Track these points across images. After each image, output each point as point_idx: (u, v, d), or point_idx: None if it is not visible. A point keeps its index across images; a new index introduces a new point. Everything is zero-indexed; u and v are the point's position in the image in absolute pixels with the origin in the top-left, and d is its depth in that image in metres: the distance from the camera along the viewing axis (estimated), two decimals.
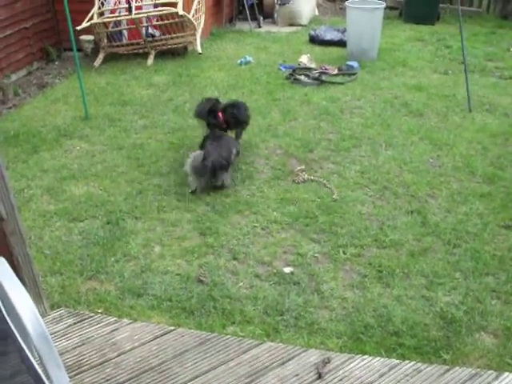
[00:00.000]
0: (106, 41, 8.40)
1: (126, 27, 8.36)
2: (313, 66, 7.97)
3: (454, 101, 6.79)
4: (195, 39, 8.43)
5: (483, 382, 2.93)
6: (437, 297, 3.60)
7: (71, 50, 6.32)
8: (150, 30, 8.43)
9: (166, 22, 8.19)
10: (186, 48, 8.70)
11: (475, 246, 4.08)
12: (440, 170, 5.18)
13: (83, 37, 8.44)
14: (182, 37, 8.42)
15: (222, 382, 2.92)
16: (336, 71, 7.83)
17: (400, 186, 4.90)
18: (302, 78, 7.53)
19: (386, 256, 3.99)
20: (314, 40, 9.41)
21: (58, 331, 3.28)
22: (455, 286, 3.70)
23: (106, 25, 8.29)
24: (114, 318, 3.39)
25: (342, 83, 7.43)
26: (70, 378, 2.92)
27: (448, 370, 3.01)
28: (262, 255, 4.01)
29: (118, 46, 8.52)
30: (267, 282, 3.75)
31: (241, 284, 3.73)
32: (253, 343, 3.17)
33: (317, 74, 7.60)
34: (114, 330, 3.29)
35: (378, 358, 3.09)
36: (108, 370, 3.01)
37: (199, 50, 8.42)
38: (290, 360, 3.06)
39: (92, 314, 3.43)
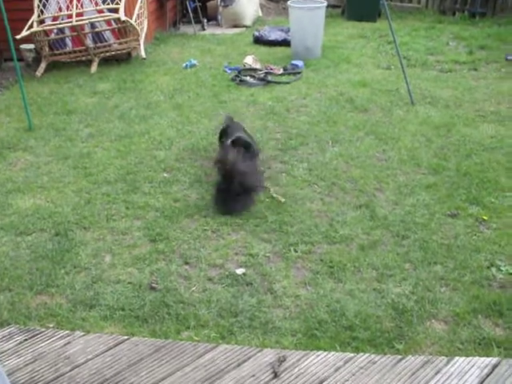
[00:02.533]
0: (47, 49, 8.24)
1: (69, 34, 8.21)
2: (258, 66, 8.01)
3: (397, 95, 6.93)
4: (139, 44, 8.36)
5: (435, 367, 2.99)
6: (388, 288, 3.66)
7: (12, 59, 6.17)
8: (106, 36, 8.33)
9: (108, 28, 8.09)
10: (129, 54, 8.62)
11: (423, 236, 4.17)
12: (386, 163, 5.27)
13: (24, 46, 8.27)
14: (126, 42, 8.33)
15: None
16: (281, 71, 7.89)
17: (348, 181, 4.97)
18: (248, 78, 7.57)
19: (336, 251, 4.04)
20: (259, 40, 9.47)
21: (8, 349, 3.19)
22: (405, 276, 3.77)
23: (47, 33, 8.13)
24: (67, 332, 3.32)
25: (287, 83, 7.49)
26: None
27: (401, 360, 3.06)
28: (214, 258, 4.00)
29: (60, 54, 8.37)
30: (220, 285, 3.74)
31: (193, 288, 3.71)
32: (208, 347, 3.16)
33: (262, 75, 7.65)
34: (67, 344, 3.22)
35: (333, 352, 3.12)
36: None
37: (143, 55, 8.35)
38: (245, 361, 3.05)
39: (43, 329, 3.35)
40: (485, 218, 4.40)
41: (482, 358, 3.06)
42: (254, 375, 2.96)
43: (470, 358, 3.07)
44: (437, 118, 6.26)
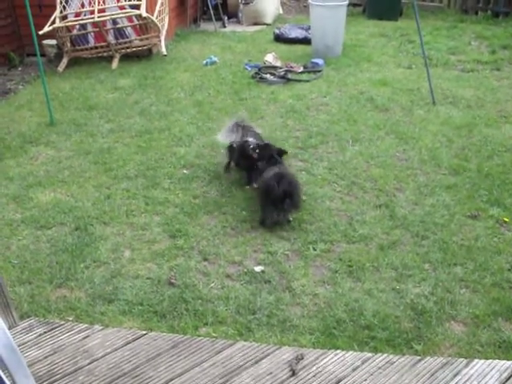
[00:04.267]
0: (69, 45, 8.30)
1: (91, 30, 8.27)
2: (278, 64, 7.99)
3: (418, 94, 6.88)
4: (160, 41, 8.39)
5: (454, 369, 2.96)
6: (407, 289, 3.64)
7: (34, 55, 6.22)
8: (127, 32, 8.38)
9: (130, 24, 8.13)
10: (150, 50, 8.65)
11: (443, 237, 4.14)
12: (406, 163, 5.24)
13: (46, 41, 8.35)
14: (147, 39, 8.36)
15: (196, 383, 2.90)
16: (301, 69, 7.87)
17: (367, 180, 4.95)
18: (268, 76, 7.55)
19: (355, 251, 4.03)
20: (279, 38, 9.44)
21: (28, 341, 3.22)
22: (425, 277, 3.75)
23: (69, 28, 8.18)
24: (85, 325, 3.34)
25: (307, 81, 7.46)
26: None
27: (420, 361, 3.04)
28: (233, 255, 4.01)
29: (82, 50, 8.43)
30: (238, 282, 3.74)
31: (212, 285, 3.72)
32: (226, 343, 3.16)
33: (282, 73, 7.63)
34: (86, 337, 3.24)
35: (351, 352, 3.11)
36: (81, 377, 2.97)
37: (164, 51, 8.38)
38: (263, 358, 3.05)
39: (63, 322, 3.38)
40: (506, 219, 4.35)
41: (502, 361, 3.03)
42: (271, 373, 2.96)
43: (490, 360, 3.04)
44: (458, 118, 6.20)
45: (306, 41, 9.08)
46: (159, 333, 3.28)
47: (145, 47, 8.50)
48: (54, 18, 7.95)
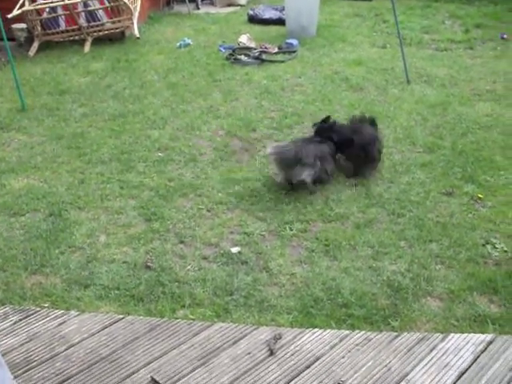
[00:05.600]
0: (40, 28, 8.11)
1: (62, 13, 8.09)
2: (252, 45, 7.92)
3: (392, 74, 6.88)
4: (132, 24, 8.24)
5: (430, 344, 3.00)
6: (383, 266, 3.65)
7: (2, 39, 6.07)
8: (99, 15, 8.22)
9: (101, 6, 7.98)
10: (123, 33, 8.50)
11: (418, 214, 4.16)
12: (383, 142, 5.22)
13: (15, 25, 8.13)
14: (119, 21, 8.23)
15: (174, 366, 2.89)
16: (276, 50, 7.82)
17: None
18: (243, 57, 7.49)
19: (332, 230, 4.02)
20: (253, 19, 9.36)
21: (3, 329, 3.18)
22: (401, 254, 3.76)
23: (38, 12, 8.00)
24: (62, 311, 3.31)
25: (282, 61, 7.42)
26: (19, 375, 2.84)
27: (397, 337, 3.06)
28: (209, 237, 3.98)
29: (53, 34, 8.25)
30: (215, 264, 3.72)
31: (189, 267, 3.69)
32: (203, 325, 3.15)
33: (257, 54, 7.57)
34: (62, 323, 3.21)
35: (329, 330, 3.12)
36: (58, 364, 2.94)
37: (137, 34, 8.24)
38: (241, 339, 3.05)
39: (38, 309, 3.33)
40: (480, 196, 4.39)
41: (477, 335, 3.07)
42: (249, 353, 2.96)
43: (465, 334, 3.08)
44: (432, 96, 6.21)
45: (280, 22, 9.01)
46: (136, 316, 3.26)
47: (117, 30, 8.36)
48: (23, 1, 7.77)
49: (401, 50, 6.67)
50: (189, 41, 8.26)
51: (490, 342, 3.01)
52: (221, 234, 4.02)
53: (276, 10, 9.47)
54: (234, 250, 3.84)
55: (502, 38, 8.21)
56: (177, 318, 3.24)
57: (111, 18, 8.22)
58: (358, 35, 8.52)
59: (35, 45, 8.05)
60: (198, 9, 10.41)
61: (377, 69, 7.05)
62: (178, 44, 8.17)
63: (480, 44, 8.09)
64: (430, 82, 6.62)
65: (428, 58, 7.48)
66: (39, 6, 7.89)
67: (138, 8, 8.46)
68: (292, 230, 4.03)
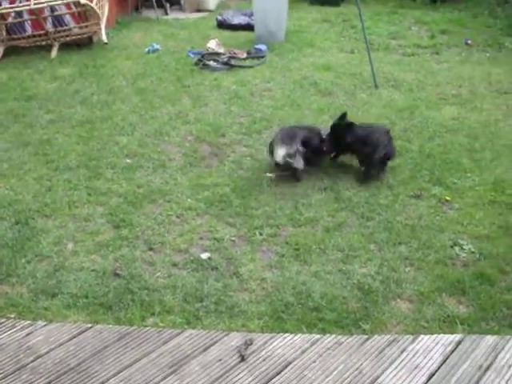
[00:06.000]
0: (5, 33, 7.96)
1: (28, 18, 7.96)
2: (221, 50, 7.90)
3: (360, 78, 6.93)
4: (100, 29, 8.15)
5: (401, 346, 3.01)
6: (353, 269, 3.66)
7: None
8: (66, 20, 8.10)
9: (68, 11, 7.88)
10: (91, 38, 8.40)
11: (387, 217, 4.20)
12: None
13: None
14: (86, 27, 8.13)
15: (144, 374, 2.85)
16: (245, 55, 7.81)
17: None
18: (211, 63, 7.45)
19: (302, 234, 4.03)
20: (222, 25, 9.34)
21: None
22: (370, 257, 3.79)
23: (3, 16, 7.84)
24: (28, 322, 3.23)
25: (251, 67, 7.42)
26: None
27: (367, 339, 3.07)
28: (179, 243, 3.95)
29: (19, 39, 8.10)
30: (185, 270, 3.69)
31: (158, 274, 3.65)
32: (173, 332, 3.12)
33: (226, 59, 7.55)
34: (29, 334, 3.14)
35: (300, 334, 3.12)
36: (24, 375, 2.87)
37: (105, 39, 8.15)
38: (212, 346, 3.02)
39: (4, 320, 3.26)
40: (448, 198, 4.45)
41: (446, 336, 3.10)
42: (220, 359, 2.93)
43: (435, 335, 3.10)
44: (400, 100, 6.29)
45: (249, 27, 9.00)
46: (105, 325, 3.21)
47: (85, 35, 8.25)
48: None
49: (368, 55, 6.73)
50: (157, 46, 8.20)
51: (459, 342, 3.04)
52: (190, 240, 3.99)
53: (245, 15, 9.48)
54: (204, 255, 3.81)
55: (467, 44, 8.36)
56: (146, 326, 3.20)
57: (78, 23, 8.11)
58: (327, 40, 8.57)
59: (0, 50, 7.90)
60: (167, 14, 10.35)
61: (345, 73, 7.10)
62: (147, 49, 8.10)
63: (446, 49, 8.21)
64: (397, 86, 6.70)
65: (395, 62, 7.57)
66: (4, 11, 7.74)
67: (106, 13, 8.38)
68: (262, 235, 4.02)
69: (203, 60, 7.50)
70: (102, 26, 8.15)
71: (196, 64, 7.46)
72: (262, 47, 7.97)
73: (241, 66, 7.43)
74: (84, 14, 7.98)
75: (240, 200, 4.42)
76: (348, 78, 6.98)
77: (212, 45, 7.95)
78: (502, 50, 8.15)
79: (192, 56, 7.79)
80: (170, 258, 3.81)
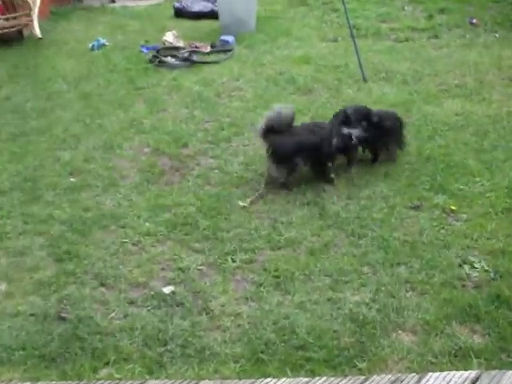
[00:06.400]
0: None
1: None
2: (180, 44, 7.98)
3: (346, 71, 7.03)
4: (32, 21, 8.16)
5: None
6: (344, 297, 3.68)
7: None
8: None
9: None
10: (21, 32, 8.42)
11: (382, 234, 4.23)
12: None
13: None
14: (14, 18, 8.12)
15: None
16: (209, 48, 7.91)
17: None
18: (169, 59, 7.53)
19: (282, 258, 4.05)
20: (181, 13, 9.44)
21: None
22: (364, 282, 3.81)
23: None
24: None
25: (216, 62, 7.50)
26: None
27: (365, 381, 3.07)
28: (136, 276, 3.95)
29: None
30: (144, 308, 3.69)
31: (112, 315, 3.64)
32: None
33: (186, 54, 7.62)
34: None
35: (284, 378, 3.10)
36: None
37: (38, 34, 8.16)
38: None
39: None
40: (453, 208, 4.50)
41: (460, 372, 3.09)
42: None
43: (446, 373, 3.09)
44: (393, 95, 6.38)
45: (212, 15, 9.11)
46: (48, 382, 3.17)
47: (13, 29, 8.28)
48: None
49: (353, 43, 6.83)
50: (103, 41, 8.25)
51: (475, 380, 3.04)
52: (150, 271, 3.99)
53: (207, 1, 9.56)
54: (167, 289, 3.82)
55: (471, 24, 8.46)
56: (99, 379, 3.17)
57: (4, 15, 8.10)
58: (305, 28, 8.69)
59: None
60: (114, 1, 10.40)
61: (328, 66, 7.19)
62: (91, 45, 8.14)
63: (445, 31, 8.35)
64: (389, 78, 6.80)
65: (386, 50, 7.69)
66: None
67: (38, 2, 8.37)
68: (235, 262, 4.04)
69: (159, 56, 7.56)
70: (35, 18, 8.17)
71: (151, 61, 7.53)
72: (229, 39, 8.05)
73: (204, 62, 7.51)
74: (11, 4, 7.99)
75: (208, 221, 4.44)
76: (331, 71, 7.07)
77: (169, 38, 8.02)
78: None
79: (145, 52, 7.85)
80: (125, 294, 3.80)
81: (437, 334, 3.40)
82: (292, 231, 4.32)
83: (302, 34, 8.42)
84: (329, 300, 3.68)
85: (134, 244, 4.28)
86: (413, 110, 6.02)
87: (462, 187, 4.74)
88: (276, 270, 3.93)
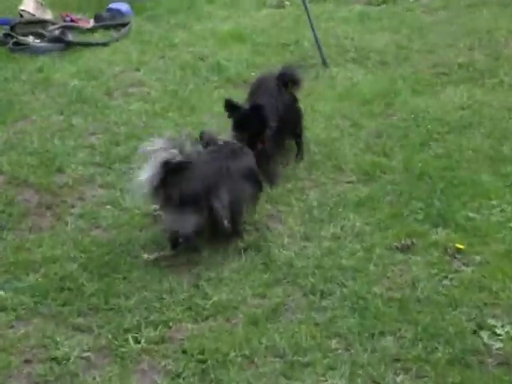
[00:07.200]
0: None
1: None
2: (48, 16, 7.95)
3: (297, 52, 7.15)
4: None
5: None
6: None
7: None
8: None
9: None
10: None
11: (357, 290, 4.26)
12: (287, 170, 5.39)
13: None
14: None
15: None
16: (92, 23, 7.90)
17: None
18: (31, 40, 7.49)
19: (209, 333, 4.03)
20: None
21: None
22: (332, 363, 3.78)
23: None
24: None
25: (104, 43, 7.52)
26: None
27: None
28: None
29: None
30: None
31: None
32: None
33: (58, 32, 7.60)
34: None
35: None
36: None
37: None
38: None
39: None
40: (460, 246, 4.57)
41: None
42: None
43: None
44: (367, 84, 6.49)
45: None
46: None
47: None
48: None
49: (306, 10, 6.90)
50: None
51: None
52: (7, 366, 3.89)
53: None
54: None
55: None
56: None
57: None
58: None
59: None
60: None
61: (270, 45, 7.30)
62: None
63: None
64: (361, 59, 6.94)
65: (356, 18, 7.85)
66: None
67: None
68: (139, 343, 3.99)
69: (14, 36, 7.51)
70: None
71: (2, 43, 7.47)
72: (122, 7, 8.12)
73: (86, 44, 7.53)
74: None
75: (97, 283, 4.41)
76: (276, 51, 7.19)
77: (29, 6, 7.96)
78: None
79: None
80: None
81: None
82: (223, 291, 4.32)
83: None
84: None
85: None
86: (396, 105, 6.15)
87: (471, 215, 4.83)
88: (201, 353, 3.90)
